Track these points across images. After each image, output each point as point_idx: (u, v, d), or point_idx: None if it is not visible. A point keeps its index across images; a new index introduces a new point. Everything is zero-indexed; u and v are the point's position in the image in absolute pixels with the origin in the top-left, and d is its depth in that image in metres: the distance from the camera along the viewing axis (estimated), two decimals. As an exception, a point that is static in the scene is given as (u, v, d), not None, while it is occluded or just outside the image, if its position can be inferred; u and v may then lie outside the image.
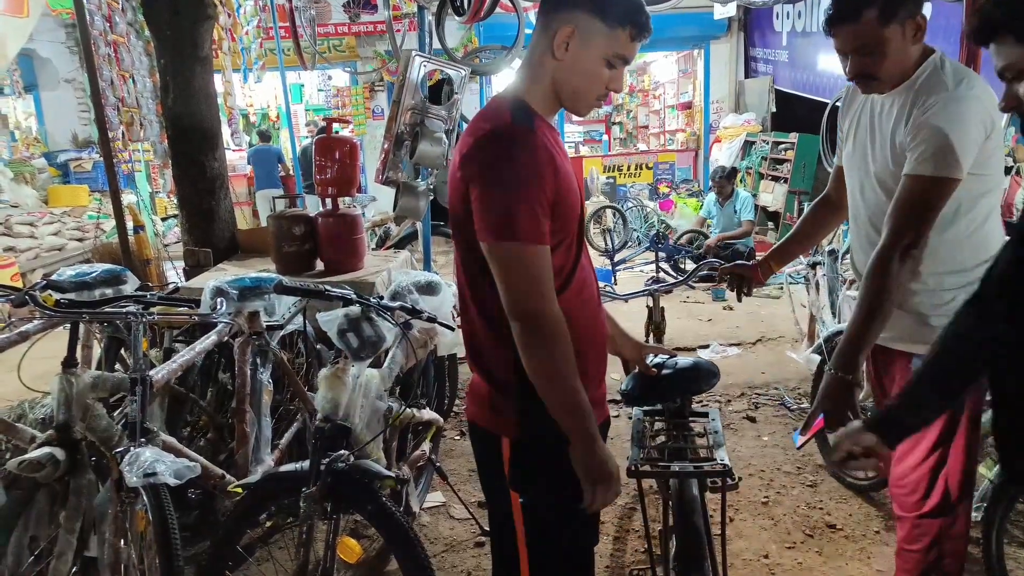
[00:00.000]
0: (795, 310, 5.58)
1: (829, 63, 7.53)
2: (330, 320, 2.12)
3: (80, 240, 7.56)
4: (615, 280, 6.70)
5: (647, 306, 2.95)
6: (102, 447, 1.92)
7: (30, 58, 10.13)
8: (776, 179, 8.85)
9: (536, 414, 1.38)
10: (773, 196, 8.84)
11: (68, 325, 2.06)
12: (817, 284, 4.25)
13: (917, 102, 1.67)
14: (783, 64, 9.13)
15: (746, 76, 10.51)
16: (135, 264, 4.19)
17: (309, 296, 2.14)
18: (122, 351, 2.96)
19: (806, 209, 2.31)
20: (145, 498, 1.85)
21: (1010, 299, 1.23)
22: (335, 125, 3.49)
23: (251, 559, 2.22)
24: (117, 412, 2.22)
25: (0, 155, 10.04)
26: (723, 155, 9.80)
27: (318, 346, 2.83)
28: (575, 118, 10.31)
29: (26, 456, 1.80)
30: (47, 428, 1.98)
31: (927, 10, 1.72)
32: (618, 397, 1.98)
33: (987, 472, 2.56)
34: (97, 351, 2.93)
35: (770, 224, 8.98)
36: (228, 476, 2.29)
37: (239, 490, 2.06)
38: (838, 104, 2.03)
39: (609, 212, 8.82)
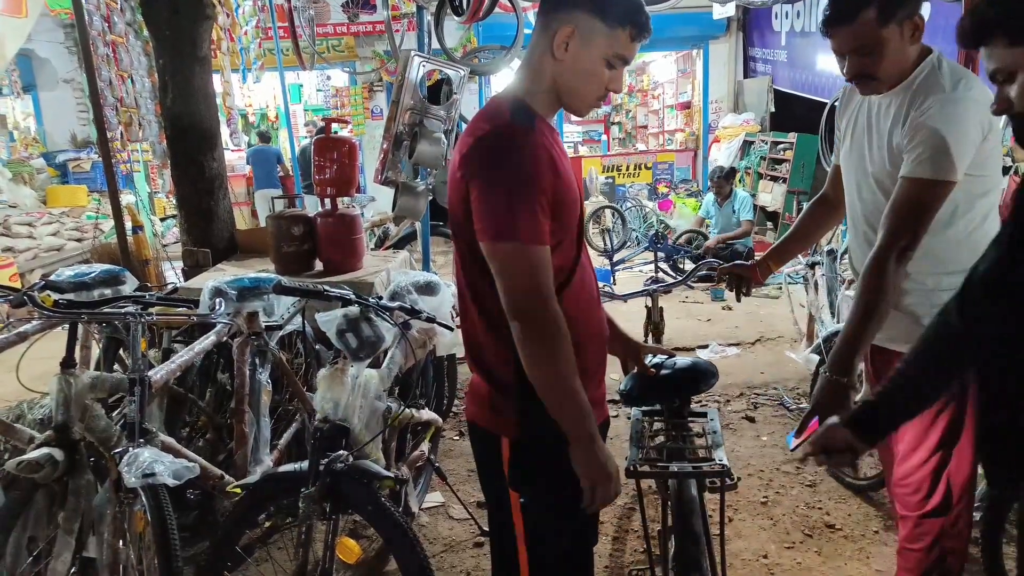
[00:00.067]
0: (794, 310, 5.57)
1: (828, 63, 7.53)
2: (329, 320, 2.12)
3: (79, 240, 7.55)
4: (614, 280, 6.70)
5: (646, 306, 2.95)
6: (101, 447, 1.92)
7: (29, 58, 10.12)
8: (775, 179, 8.86)
9: (536, 414, 1.38)
10: (772, 196, 8.84)
11: (67, 325, 2.06)
12: (816, 284, 4.24)
13: (914, 103, 1.67)
14: (782, 64, 9.15)
15: (745, 76, 10.52)
16: (134, 264, 4.18)
17: (308, 296, 2.14)
18: (121, 351, 2.95)
19: (804, 209, 2.31)
20: (144, 499, 1.85)
21: (992, 302, 1.23)
22: (334, 125, 3.49)
23: (250, 559, 2.22)
24: (116, 412, 2.21)
25: (-1, 155, 10.06)
26: (722, 155, 9.81)
27: (317, 346, 2.83)
28: (574, 118, 10.25)
29: (25, 456, 1.80)
30: (46, 429, 1.98)
31: (925, 10, 1.72)
32: (617, 397, 1.98)
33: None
34: (96, 351, 2.93)
35: (769, 224, 8.99)
36: (227, 476, 2.29)
37: (238, 490, 2.05)
38: (836, 104, 2.03)
39: (608, 212, 8.82)
